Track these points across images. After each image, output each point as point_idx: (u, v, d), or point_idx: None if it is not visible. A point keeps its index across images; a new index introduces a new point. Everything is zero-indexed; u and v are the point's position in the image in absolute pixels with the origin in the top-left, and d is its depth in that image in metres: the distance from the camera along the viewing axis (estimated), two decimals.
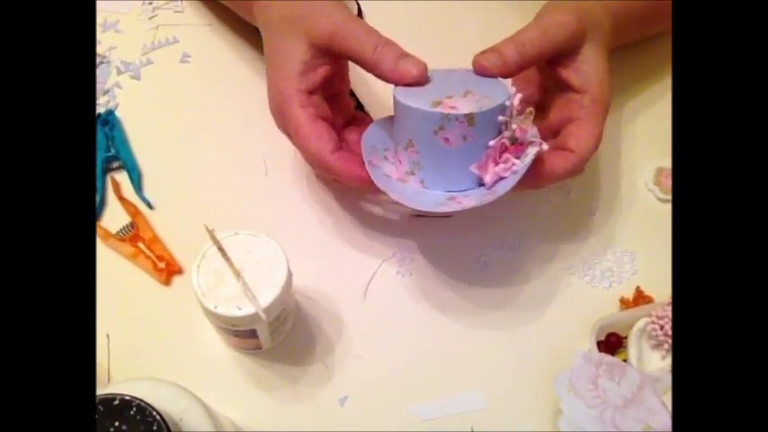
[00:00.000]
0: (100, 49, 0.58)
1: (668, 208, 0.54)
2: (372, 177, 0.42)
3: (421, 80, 0.43)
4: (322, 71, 0.45)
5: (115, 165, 0.53)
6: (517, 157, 0.42)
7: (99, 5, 0.59)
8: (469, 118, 0.40)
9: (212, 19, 0.60)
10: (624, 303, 0.49)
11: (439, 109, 0.40)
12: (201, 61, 0.58)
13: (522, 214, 0.53)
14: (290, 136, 0.46)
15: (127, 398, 0.29)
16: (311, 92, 0.45)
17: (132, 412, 0.29)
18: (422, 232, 0.52)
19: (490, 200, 0.41)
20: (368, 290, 0.49)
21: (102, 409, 0.29)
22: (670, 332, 0.44)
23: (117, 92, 0.56)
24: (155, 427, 0.28)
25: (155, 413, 0.29)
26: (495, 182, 0.42)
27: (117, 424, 0.28)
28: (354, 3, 0.60)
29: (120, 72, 0.57)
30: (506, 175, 0.42)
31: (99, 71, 0.57)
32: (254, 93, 0.57)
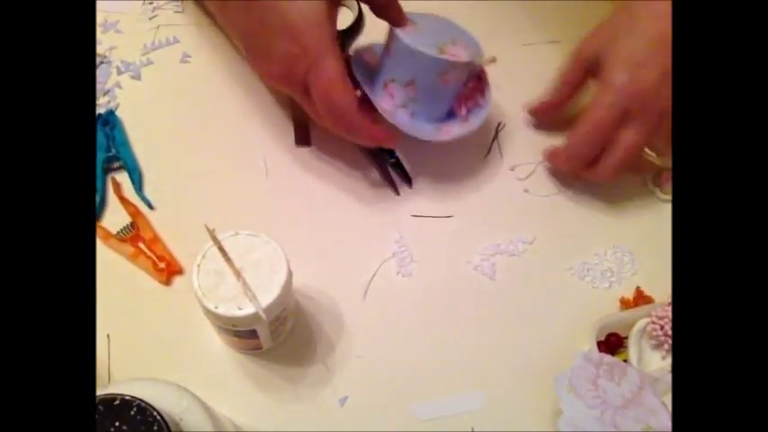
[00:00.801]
0: (100, 49, 0.58)
1: (668, 208, 0.54)
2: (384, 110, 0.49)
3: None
4: (334, 15, 0.46)
5: (115, 165, 0.53)
6: (482, 95, 0.52)
7: (99, 5, 0.59)
8: (469, 65, 0.49)
9: (212, 19, 0.60)
10: (624, 303, 0.49)
11: (446, 56, 0.47)
12: (201, 61, 0.58)
13: (521, 215, 0.53)
14: (300, 92, 0.46)
15: (127, 398, 0.29)
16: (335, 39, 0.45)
17: (133, 412, 0.29)
18: (422, 232, 0.52)
19: (468, 129, 0.51)
20: (368, 290, 0.50)
21: (102, 409, 0.29)
22: (670, 332, 0.44)
23: (117, 92, 0.56)
24: (155, 428, 0.28)
25: (155, 413, 0.29)
26: (467, 115, 0.52)
27: (117, 424, 0.28)
28: (355, 3, 0.60)
29: (120, 72, 0.57)
30: (476, 108, 0.52)
31: (99, 71, 0.57)
32: (254, 93, 0.57)
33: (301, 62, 0.44)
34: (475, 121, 0.51)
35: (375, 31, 0.51)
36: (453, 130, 0.51)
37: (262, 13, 0.44)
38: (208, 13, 0.60)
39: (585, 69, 0.52)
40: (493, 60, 0.51)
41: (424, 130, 0.50)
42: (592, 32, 0.52)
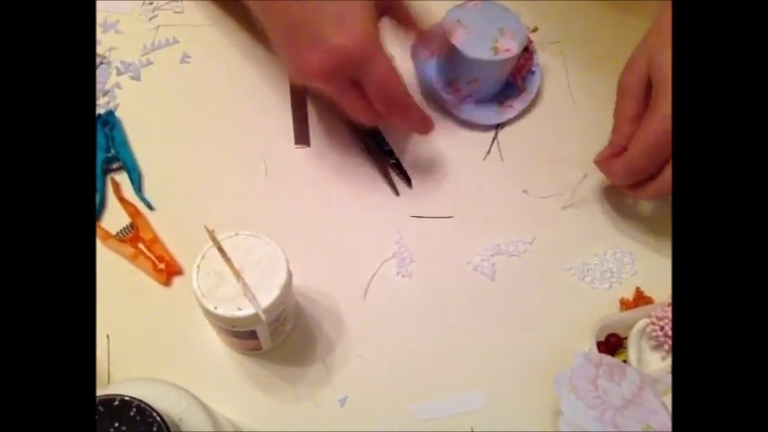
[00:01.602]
0: (100, 49, 0.58)
1: (668, 208, 0.54)
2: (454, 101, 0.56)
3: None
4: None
5: (115, 165, 0.53)
6: (532, 60, 0.58)
7: (99, 5, 0.59)
8: (521, 54, 0.54)
9: (212, 19, 0.60)
10: (624, 304, 0.49)
11: (501, 55, 0.52)
12: (201, 61, 0.58)
13: (522, 215, 0.53)
14: (342, 86, 0.46)
15: (127, 398, 0.29)
16: None
17: (132, 413, 0.29)
18: (422, 232, 0.52)
19: (528, 99, 0.57)
20: (368, 290, 0.50)
21: (102, 409, 0.29)
22: (670, 333, 0.44)
23: (117, 92, 0.56)
24: (155, 428, 0.28)
25: (155, 414, 0.29)
26: (523, 83, 0.58)
27: (117, 425, 0.28)
28: None
29: (120, 72, 0.57)
30: (529, 74, 0.58)
31: (99, 71, 0.57)
32: (255, 93, 0.57)
33: (354, 54, 0.44)
34: (532, 89, 0.57)
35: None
36: (515, 105, 0.57)
37: (318, 3, 0.44)
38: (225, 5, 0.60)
39: (640, 94, 0.47)
40: (536, 30, 0.59)
41: (489, 115, 0.56)
42: (631, 60, 0.48)
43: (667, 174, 0.45)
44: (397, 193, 0.53)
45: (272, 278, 0.39)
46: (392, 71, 0.46)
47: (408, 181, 0.54)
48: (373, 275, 0.50)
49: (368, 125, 0.50)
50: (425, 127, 0.51)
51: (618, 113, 0.49)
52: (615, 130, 0.49)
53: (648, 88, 0.47)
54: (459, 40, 0.52)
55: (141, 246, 0.49)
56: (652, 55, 0.46)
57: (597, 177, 0.54)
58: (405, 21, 0.51)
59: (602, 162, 0.50)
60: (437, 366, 0.47)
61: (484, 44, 0.52)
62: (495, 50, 0.52)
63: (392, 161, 0.54)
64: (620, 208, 0.54)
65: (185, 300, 0.44)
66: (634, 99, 0.47)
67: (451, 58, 0.53)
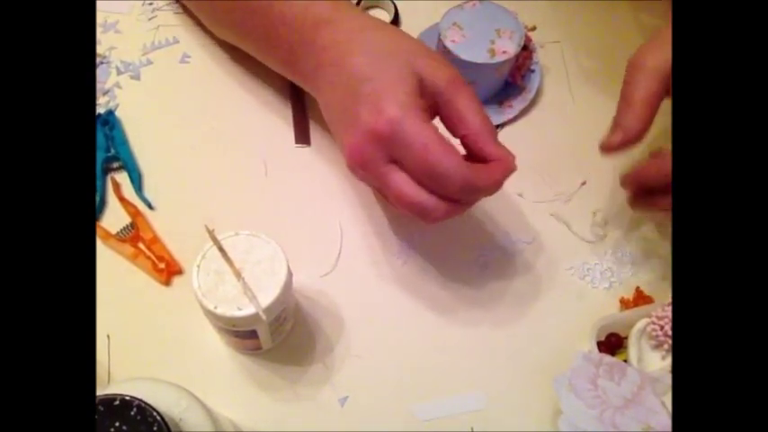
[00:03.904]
0: (100, 49, 0.58)
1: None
2: None
3: (511, 169, 0.42)
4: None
5: (115, 165, 0.53)
6: (531, 58, 0.57)
7: (99, 5, 0.59)
8: (520, 52, 0.53)
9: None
10: (624, 304, 0.49)
11: (498, 58, 0.52)
12: (201, 61, 0.58)
13: (522, 215, 0.53)
14: (379, 177, 0.40)
15: (127, 398, 0.29)
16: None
17: (132, 413, 0.29)
18: (422, 232, 0.52)
19: (528, 99, 0.57)
20: (368, 289, 0.49)
21: (102, 409, 0.29)
22: (670, 332, 0.44)
23: (117, 92, 0.56)
24: (155, 428, 0.28)
25: (155, 413, 0.29)
26: (523, 81, 0.57)
27: (117, 424, 0.28)
28: (391, 3, 0.60)
29: (120, 72, 0.57)
30: (529, 72, 0.57)
31: (99, 71, 0.57)
32: (255, 93, 0.57)
33: (385, 131, 0.39)
34: (532, 88, 0.57)
35: (411, 31, 0.51)
36: (515, 105, 0.57)
37: (358, 85, 0.41)
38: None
39: (668, 79, 0.42)
40: (534, 29, 0.60)
41: (490, 116, 0.53)
42: (652, 42, 0.43)
43: None
44: None
45: (272, 278, 0.39)
46: (433, 148, 0.38)
47: None
48: (373, 275, 0.50)
49: (432, 222, 0.41)
50: (499, 184, 0.42)
51: (634, 94, 0.43)
52: (626, 112, 0.43)
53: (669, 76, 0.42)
54: (455, 43, 0.52)
55: (141, 245, 0.49)
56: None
57: (597, 181, 0.54)
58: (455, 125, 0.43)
59: (614, 149, 0.44)
60: (437, 366, 0.47)
61: (480, 47, 0.52)
62: (492, 53, 0.52)
63: None
64: (620, 207, 0.54)
65: (185, 300, 0.44)
66: (661, 82, 0.42)
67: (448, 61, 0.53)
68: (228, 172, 0.53)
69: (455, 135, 0.43)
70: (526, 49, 0.56)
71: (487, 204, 0.53)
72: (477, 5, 0.54)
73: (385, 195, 0.43)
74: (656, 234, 0.53)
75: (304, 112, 0.56)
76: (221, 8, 0.51)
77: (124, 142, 0.53)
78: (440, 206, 0.40)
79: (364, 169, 0.41)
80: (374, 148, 0.39)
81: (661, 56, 0.42)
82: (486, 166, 0.41)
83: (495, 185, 0.41)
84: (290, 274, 0.40)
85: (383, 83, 0.40)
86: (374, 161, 0.40)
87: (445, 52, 0.52)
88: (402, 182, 0.40)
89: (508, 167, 0.42)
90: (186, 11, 0.59)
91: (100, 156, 0.52)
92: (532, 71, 0.58)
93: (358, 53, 0.42)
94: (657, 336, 0.44)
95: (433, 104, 0.42)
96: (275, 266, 0.39)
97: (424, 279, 0.50)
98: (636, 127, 0.43)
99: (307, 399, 0.46)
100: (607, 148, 0.44)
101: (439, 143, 0.39)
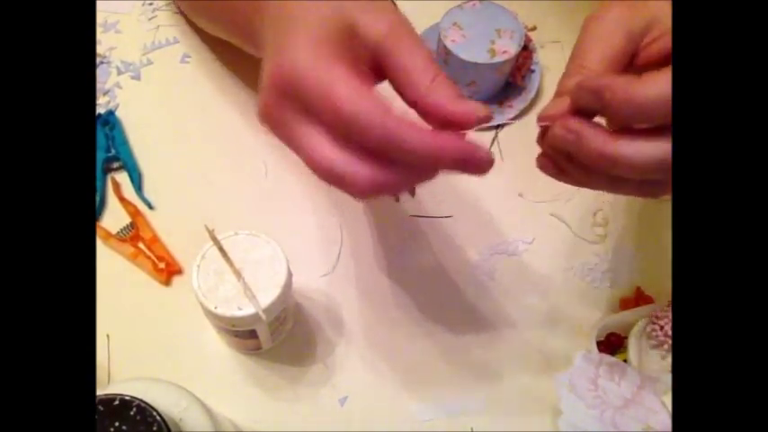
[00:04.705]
0: (100, 49, 0.58)
1: (668, 208, 0.54)
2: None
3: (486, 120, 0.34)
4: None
5: (115, 165, 0.53)
6: (531, 58, 0.57)
7: (99, 5, 0.59)
8: (520, 52, 0.53)
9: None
10: (624, 303, 0.49)
11: (498, 58, 0.52)
12: (201, 61, 0.58)
13: (522, 215, 0.53)
14: (290, 135, 0.33)
15: (127, 398, 0.29)
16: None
17: (132, 412, 0.29)
18: (422, 232, 0.52)
19: (529, 98, 0.56)
20: (368, 289, 0.49)
21: (102, 409, 0.29)
22: (670, 332, 0.44)
23: (117, 92, 0.56)
24: (155, 428, 0.28)
25: (155, 413, 0.29)
26: (523, 81, 0.57)
27: (117, 424, 0.28)
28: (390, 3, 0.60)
29: (120, 72, 0.57)
30: (529, 72, 0.57)
31: (99, 71, 0.57)
32: (255, 92, 0.57)
33: (291, 77, 0.32)
34: (532, 88, 0.57)
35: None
36: (515, 105, 0.56)
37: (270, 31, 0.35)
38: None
39: (628, 38, 0.35)
40: (534, 28, 0.60)
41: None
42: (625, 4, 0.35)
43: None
44: (397, 199, 0.53)
45: (272, 278, 0.39)
46: (340, 81, 0.30)
47: None
48: (373, 275, 0.50)
49: (359, 194, 0.32)
50: (437, 142, 0.31)
51: (592, 52, 0.34)
52: (576, 71, 0.34)
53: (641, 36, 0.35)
54: (456, 43, 0.52)
55: (141, 245, 0.49)
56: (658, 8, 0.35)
57: None
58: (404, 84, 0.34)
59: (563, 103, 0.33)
60: (437, 366, 0.47)
61: (480, 47, 0.52)
62: (492, 53, 0.52)
63: None
64: (620, 207, 0.54)
65: (185, 300, 0.44)
66: (625, 38, 0.34)
67: (449, 62, 0.53)
68: (228, 172, 0.53)
69: (407, 101, 0.33)
70: (526, 49, 0.56)
71: (487, 204, 0.53)
72: (478, 5, 0.54)
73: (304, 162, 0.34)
74: (657, 234, 0.53)
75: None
76: None
77: (124, 142, 0.53)
78: (361, 171, 0.31)
79: (273, 129, 0.34)
80: (277, 103, 0.32)
81: (629, 11, 0.35)
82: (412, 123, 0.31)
83: (439, 142, 0.31)
84: (289, 275, 0.40)
85: (297, 28, 0.33)
86: (281, 119, 0.33)
87: (445, 52, 0.52)
88: (314, 142, 0.32)
89: (466, 120, 0.33)
90: (180, 11, 0.59)
91: (100, 156, 0.52)
92: (532, 71, 0.58)
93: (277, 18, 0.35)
94: (657, 336, 0.44)
95: (374, 65, 0.34)
96: (275, 266, 0.39)
97: (424, 279, 0.50)
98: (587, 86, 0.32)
99: (307, 399, 0.46)
100: (541, 118, 0.35)
101: (349, 84, 0.30)
